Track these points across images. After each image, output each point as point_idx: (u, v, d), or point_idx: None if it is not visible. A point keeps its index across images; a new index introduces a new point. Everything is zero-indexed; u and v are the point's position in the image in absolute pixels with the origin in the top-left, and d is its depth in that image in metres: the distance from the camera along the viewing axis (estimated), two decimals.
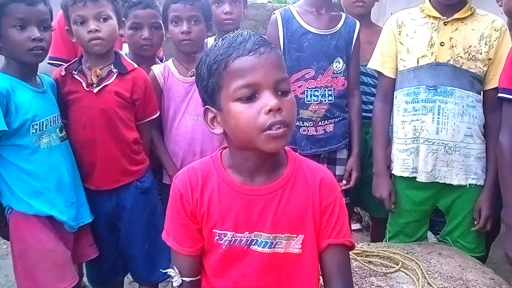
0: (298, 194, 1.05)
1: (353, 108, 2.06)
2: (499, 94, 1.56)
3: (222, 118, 1.00)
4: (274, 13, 2.04)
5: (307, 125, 1.98)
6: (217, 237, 1.05)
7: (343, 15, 2.06)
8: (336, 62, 1.98)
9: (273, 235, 1.04)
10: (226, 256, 1.06)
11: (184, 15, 1.87)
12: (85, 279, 2.19)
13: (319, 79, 1.96)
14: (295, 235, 1.05)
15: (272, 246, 1.04)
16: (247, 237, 1.04)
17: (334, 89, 1.99)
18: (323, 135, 2.01)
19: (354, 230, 3.00)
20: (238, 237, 1.04)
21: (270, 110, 0.92)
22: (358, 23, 2.03)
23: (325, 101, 1.98)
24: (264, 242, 1.04)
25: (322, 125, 2.00)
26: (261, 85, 0.94)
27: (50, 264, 1.64)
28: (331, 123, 2.01)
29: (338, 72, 1.99)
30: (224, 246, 1.05)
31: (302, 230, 1.05)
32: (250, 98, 0.94)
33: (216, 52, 0.98)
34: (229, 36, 1.00)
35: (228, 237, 1.04)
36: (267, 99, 0.93)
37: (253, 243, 1.04)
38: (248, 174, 1.05)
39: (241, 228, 1.04)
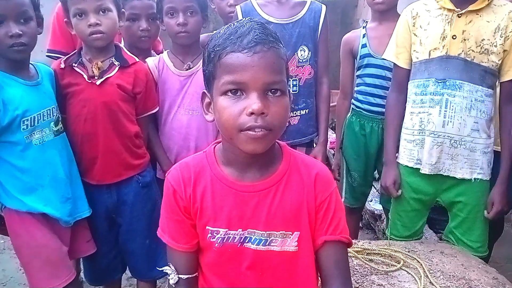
0: (292, 190, 1.03)
1: (320, 96, 2.03)
2: None
3: (213, 108, 0.99)
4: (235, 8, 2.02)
5: None
6: (210, 235, 1.03)
7: (309, 1, 2.01)
8: (300, 50, 1.95)
9: (267, 232, 1.01)
10: (219, 254, 1.04)
11: (180, 6, 1.83)
12: (82, 274, 2.17)
13: None
14: (291, 233, 1.02)
15: (267, 244, 1.02)
16: (240, 234, 1.02)
17: (299, 79, 1.97)
18: (286, 128, 1.96)
19: None
20: (231, 234, 1.02)
21: (252, 113, 0.90)
22: (324, 7, 1.99)
23: None
24: (258, 240, 1.02)
25: None
26: (248, 85, 0.91)
27: (44, 261, 1.61)
28: (296, 115, 1.98)
29: (303, 60, 1.96)
30: (217, 244, 1.03)
31: (297, 227, 1.02)
32: (236, 94, 0.92)
33: (216, 41, 0.96)
34: (234, 24, 0.97)
35: (220, 235, 1.02)
36: (252, 101, 0.90)
37: (246, 241, 1.02)
38: (241, 170, 1.02)
39: (234, 225, 1.02)
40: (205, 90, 1.03)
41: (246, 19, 0.98)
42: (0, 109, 1.49)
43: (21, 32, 1.50)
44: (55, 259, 1.63)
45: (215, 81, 0.95)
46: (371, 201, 2.81)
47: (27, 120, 1.55)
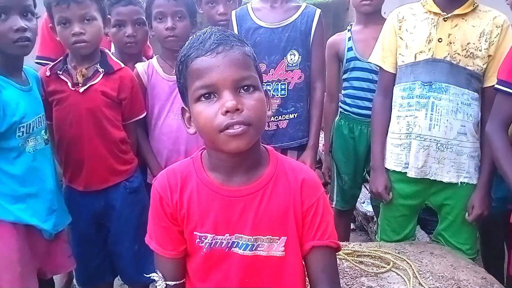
0: (279, 195, 1.03)
1: (313, 101, 2.02)
2: (496, 85, 1.54)
3: (192, 119, 0.99)
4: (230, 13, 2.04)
5: None
6: (198, 240, 1.03)
7: (304, 5, 2.01)
8: (290, 54, 1.95)
9: (254, 237, 1.02)
10: (207, 259, 1.04)
11: (168, 11, 1.85)
12: (74, 281, 2.16)
13: (271, 73, 1.94)
14: (277, 237, 1.02)
15: (254, 249, 1.02)
16: (227, 240, 1.02)
17: (288, 83, 1.96)
18: (274, 131, 1.98)
19: None
20: (219, 239, 1.02)
21: (227, 111, 0.90)
22: (318, 12, 1.98)
23: (277, 95, 1.95)
24: (245, 245, 1.02)
25: (275, 121, 1.97)
26: (218, 86, 0.92)
27: (17, 276, 1.47)
28: (285, 119, 1.99)
29: (293, 65, 1.96)
30: (205, 249, 1.03)
31: (284, 232, 1.03)
32: (209, 98, 0.93)
33: (182, 52, 0.98)
34: (197, 34, 0.99)
35: (208, 240, 1.02)
36: (224, 100, 0.91)
37: (233, 246, 1.02)
38: (227, 174, 1.03)
39: (221, 230, 1.02)
40: (183, 106, 1.04)
41: (208, 27, 1.01)
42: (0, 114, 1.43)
43: (26, 27, 1.44)
44: (26, 275, 1.50)
45: (188, 91, 0.97)
46: (363, 202, 2.83)
47: (23, 127, 1.49)
